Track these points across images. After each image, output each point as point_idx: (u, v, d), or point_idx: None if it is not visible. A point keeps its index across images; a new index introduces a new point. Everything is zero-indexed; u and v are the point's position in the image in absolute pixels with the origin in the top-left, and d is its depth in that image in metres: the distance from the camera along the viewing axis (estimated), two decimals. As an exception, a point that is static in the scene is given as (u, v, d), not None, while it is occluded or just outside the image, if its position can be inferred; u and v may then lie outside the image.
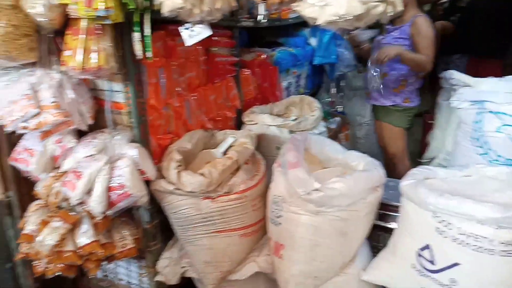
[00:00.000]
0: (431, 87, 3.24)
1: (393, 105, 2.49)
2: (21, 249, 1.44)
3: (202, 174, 1.39)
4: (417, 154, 3.23)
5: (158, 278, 1.57)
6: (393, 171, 2.56)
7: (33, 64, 1.33)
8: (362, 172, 1.28)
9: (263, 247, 1.49)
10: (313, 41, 2.85)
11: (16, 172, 1.55)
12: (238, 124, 2.07)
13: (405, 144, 2.67)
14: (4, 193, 1.64)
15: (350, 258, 1.30)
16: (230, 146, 1.64)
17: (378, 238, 1.54)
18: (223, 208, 1.42)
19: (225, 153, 1.62)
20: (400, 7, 1.29)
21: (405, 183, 1.15)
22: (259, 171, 1.56)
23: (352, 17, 1.15)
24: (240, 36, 2.06)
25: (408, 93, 2.45)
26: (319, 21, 1.23)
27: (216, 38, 1.82)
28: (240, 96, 2.07)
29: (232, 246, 1.45)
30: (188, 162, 1.57)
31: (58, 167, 1.45)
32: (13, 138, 1.54)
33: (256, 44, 2.52)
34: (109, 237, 1.46)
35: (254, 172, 1.55)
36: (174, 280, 1.54)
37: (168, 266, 1.57)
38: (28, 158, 1.44)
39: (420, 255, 1.11)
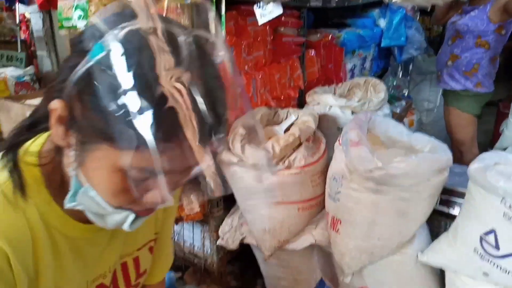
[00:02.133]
0: (508, 74, 3.01)
1: (463, 89, 2.37)
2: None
3: (265, 149, 1.47)
4: (488, 144, 3.05)
5: (219, 242, 1.69)
6: (460, 160, 2.45)
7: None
8: (428, 154, 1.27)
9: (320, 221, 1.54)
10: (382, 22, 2.77)
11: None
12: (301, 105, 2.11)
13: (475, 132, 2.53)
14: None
15: (408, 239, 1.31)
16: (292, 124, 1.70)
17: (439, 224, 1.52)
18: (283, 181, 1.49)
19: (287, 130, 1.67)
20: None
21: (474, 167, 1.12)
22: (319, 149, 1.60)
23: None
24: (307, 17, 2.08)
25: (480, 78, 2.31)
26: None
27: (284, 18, 1.86)
28: (304, 77, 2.10)
29: (290, 218, 1.52)
30: (251, 137, 1.66)
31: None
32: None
33: (323, 25, 2.52)
34: (179, 201, 1.60)
35: (314, 150, 1.59)
36: (233, 245, 1.65)
37: (229, 232, 1.68)
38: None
39: (483, 240, 1.09)
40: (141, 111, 0.42)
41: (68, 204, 0.54)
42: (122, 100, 0.42)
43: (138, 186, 0.50)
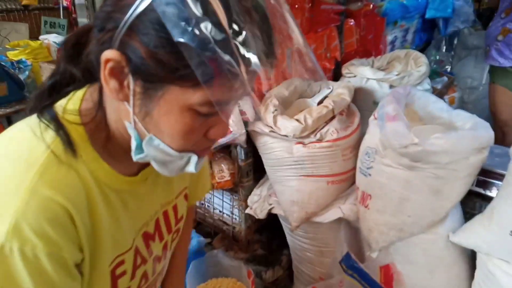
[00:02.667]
0: None
1: (513, 66, 2.21)
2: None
3: (297, 120, 1.45)
4: (536, 127, 2.86)
5: (248, 211, 1.73)
6: (502, 142, 2.33)
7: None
8: (468, 131, 1.21)
9: (349, 196, 1.53)
10: (428, -8, 2.60)
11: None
12: (336, 77, 2.05)
13: (521, 113, 2.39)
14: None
15: (441, 218, 1.27)
16: (326, 96, 1.66)
17: (474, 205, 1.47)
18: (314, 154, 1.48)
19: (320, 102, 1.64)
20: None
21: (517, 147, 1.07)
22: (353, 122, 1.57)
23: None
24: (348, -16, 1.98)
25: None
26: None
27: (323, -16, 1.79)
28: (341, 48, 2.03)
29: (319, 190, 1.51)
30: (284, 108, 1.64)
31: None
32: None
33: (364, -7, 2.39)
34: (210, 168, 1.64)
35: (348, 123, 1.56)
36: (261, 215, 1.68)
37: (258, 201, 1.71)
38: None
39: (521, 223, 1.05)
40: (215, 41, 0.42)
41: (136, 156, 0.55)
42: (195, 31, 0.41)
43: (204, 124, 0.52)
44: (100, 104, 0.56)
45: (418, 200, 1.23)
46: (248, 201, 1.74)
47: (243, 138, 1.53)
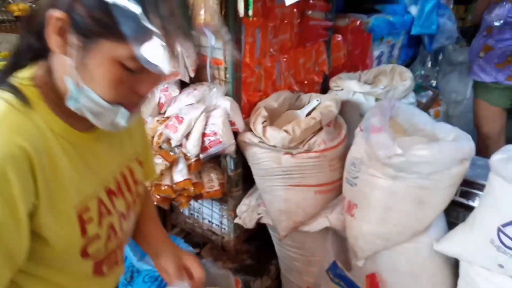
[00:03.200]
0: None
1: (494, 82, 2.29)
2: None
3: (285, 131, 1.49)
4: (518, 140, 2.94)
5: (237, 221, 1.74)
6: (485, 154, 2.39)
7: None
8: (450, 142, 1.25)
9: (336, 206, 1.55)
10: (414, 9, 2.69)
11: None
12: (324, 90, 2.10)
13: (503, 127, 2.47)
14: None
15: (424, 227, 1.31)
16: (314, 109, 1.70)
17: (457, 215, 1.51)
18: (302, 164, 1.51)
19: (309, 114, 1.68)
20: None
21: (496, 158, 1.11)
22: (340, 134, 1.61)
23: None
24: (336, 1, 2.05)
25: (513, 70, 2.23)
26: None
27: (312, 1, 1.85)
28: (329, 62, 2.08)
29: (307, 200, 1.54)
30: (273, 119, 1.68)
31: (163, 113, 1.66)
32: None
33: (352, 9, 2.47)
34: (199, 178, 1.65)
35: (335, 135, 1.60)
36: (250, 225, 1.70)
37: (246, 211, 1.72)
38: (138, 102, 1.66)
39: (501, 231, 1.08)
40: (139, 3, 0.54)
41: (70, 105, 0.62)
42: None
43: (132, 78, 0.61)
44: (50, 69, 0.64)
45: (402, 210, 1.26)
46: (237, 210, 1.75)
47: (232, 149, 1.56)
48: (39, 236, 0.62)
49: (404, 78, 1.90)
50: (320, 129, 1.55)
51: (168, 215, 2.09)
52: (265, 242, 1.85)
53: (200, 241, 2.03)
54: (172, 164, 1.58)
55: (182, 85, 1.65)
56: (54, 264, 0.68)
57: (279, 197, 1.57)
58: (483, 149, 2.52)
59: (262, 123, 1.53)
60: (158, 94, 1.64)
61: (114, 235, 0.76)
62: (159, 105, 1.66)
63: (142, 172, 0.88)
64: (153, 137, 1.65)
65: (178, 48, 0.60)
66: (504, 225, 1.08)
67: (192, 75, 1.58)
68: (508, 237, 1.06)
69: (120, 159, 0.80)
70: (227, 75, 1.54)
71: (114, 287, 0.87)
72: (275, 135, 1.48)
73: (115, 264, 0.81)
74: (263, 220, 1.67)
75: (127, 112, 0.64)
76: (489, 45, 2.35)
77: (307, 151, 1.51)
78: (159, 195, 1.63)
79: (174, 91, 1.60)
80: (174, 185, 1.58)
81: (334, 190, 1.59)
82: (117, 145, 0.79)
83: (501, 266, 1.12)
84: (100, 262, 0.75)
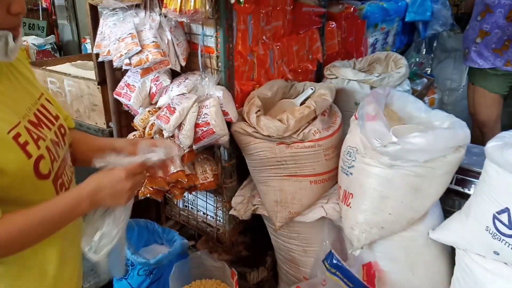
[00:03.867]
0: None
1: (492, 68, 2.27)
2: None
3: (280, 120, 1.46)
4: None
5: (232, 212, 1.72)
6: (481, 142, 2.39)
7: (137, 6, 1.48)
8: (445, 129, 1.24)
9: (332, 196, 1.54)
10: (407, -5, 2.66)
11: (117, 105, 1.76)
12: (318, 78, 2.08)
13: (499, 113, 2.46)
14: (106, 124, 1.90)
15: (420, 215, 1.30)
16: (309, 97, 1.68)
17: (453, 203, 1.50)
18: (297, 154, 1.49)
19: (303, 103, 1.66)
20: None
21: (491, 145, 1.10)
22: (335, 123, 1.59)
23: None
24: (330, -14, 2.01)
25: (511, 55, 2.21)
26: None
27: (304, -14, 1.81)
28: (323, 49, 2.05)
29: (302, 190, 1.53)
30: (267, 109, 1.65)
31: (155, 103, 1.62)
32: (117, 75, 1.75)
33: (345, -5, 2.43)
34: (193, 170, 1.63)
35: (330, 124, 1.58)
36: (245, 216, 1.68)
37: (241, 202, 1.71)
38: (129, 93, 1.63)
39: (496, 218, 1.07)
40: None
41: None
42: None
43: (3, 1, 0.68)
44: None
45: (398, 198, 1.25)
46: (232, 202, 1.73)
47: (226, 139, 1.53)
48: None
49: (399, 66, 1.87)
50: (315, 118, 1.53)
51: (162, 207, 2.07)
52: (260, 233, 1.84)
53: (195, 233, 2.02)
54: (165, 155, 1.55)
55: (173, 75, 1.61)
56: (19, 197, 0.76)
57: (274, 187, 1.55)
58: (479, 137, 2.51)
59: (256, 112, 1.50)
60: (149, 84, 1.60)
61: (54, 158, 0.83)
62: (150, 96, 1.63)
63: (55, 108, 0.93)
64: (144, 128, 1.62)
65: None
66: (500, 212, 1.07)
67: (183, 64, 1.54)
68: (504, 224, 1.06)
69: (29, 99, 0.84)
70: (219, 64, 1.51)
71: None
72: (269, 125, 1.45)
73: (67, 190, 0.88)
74: (259, 211, 1.65)
75: (12, 35, 0.71)
76: (484, 30, 2.33)
77: (302, 140, 1.48)
78: (152, 187, 1.61)
79: (165, 81, 1.56)
80: (167, 177, 1.55)
81: (330, 179, 1.58)
82: (20, 88, 0.83)
83: (496, 253, 1.12)
84: (56, 184, 0.83)
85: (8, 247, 0.74)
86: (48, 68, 2.17)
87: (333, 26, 2.08)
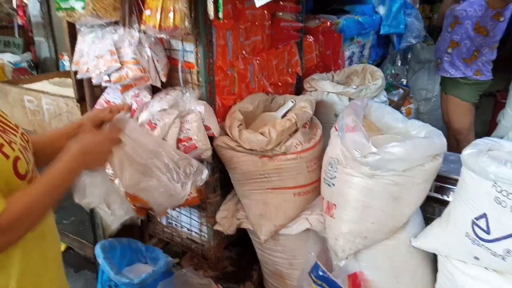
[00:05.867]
0: (506, 65, 3.02)
1: (463, 77, 2.37)
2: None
3: (262, 133, 1.47)
4: (485, 135, 3.05)
5: (216, 227, 1.71)
6: (456, 149, 2.47)
7: (115, 23, 1.48)
8: (422, 139, 1.27)
9: (316, 207, 1.55)
10: (381, 10, 2.75)
11: (98, 122, 1.74)
12: (298, 91, 2.11)
13: (472, 121, 2.55)
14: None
15: (402, 224, 1.32)
16: (289, 110, 1.70)
17: (433, 210, 1.54)
18: (279, 166, 1.50)
19: (284, 116, 1.68)
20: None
21: (466, 152, 1.13)
22: (316, 135, 1.61)
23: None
24: (306, 2, 2.06)
25: (480, 65, 2.32)
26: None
27: (282, 2, 1.85)
28: (302, 63, 2.09)
29: (286, 203, 1.53)
30: (248, 123, 1.66)
31: (136, 119, 1.61)
32: (96, 92, 1.74)
33: (322, 11, 2.50)
34: (176, 185, 1.61)
35: (311, 136, 1.60)
36: (230, 230, 1.67)
37: (226, 217, 1.70)
38: (109, 109, 1.61)
39: (475, 224, 1.10)
40: None
41: None
42: None
43: None
44: None
45: (379, 207, 1.27)
46: (216, 217, 1.72)
47: (208, 154, 1.53)
48: None
49: (376, 77, 1.93)
50: (296, 130, 1.55)
51: (145, 225, 2.03)
52: (246, 247, 1.83)
53: (179, 250, 1.99)
54: (147, 172, 1.54)
55: (154, 91, 1.61)
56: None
57: (258, 201, 1.56)
58: (454, 145, 2.59)
59: (238, 126, 1.51)
60: (129, 100, 1.59)
61: (27, 160, 0.85)
62: (131, 112, 1.61)
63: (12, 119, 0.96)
64: (125, 145, 1.60)
65: None
66: (478, 218, 1.10)
67: (164, 79, 1.54)
68: (482, 229, 1.09)
69: None
70: (200, 79, 1.52)
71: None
72: (251, 138, 1.46)
73: None
74: (243, 225, 1.65)
75: None
76: (455, 41, 2.43)
77: (284, 153, 1.50)
78: (135, 205, 1.58)
79: (146, 96, 1.56)
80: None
81: (313, 191, 1.59)
82: None
83: (476, 258, 1.15)
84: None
85: (29, 216, 0.77)
86: (25, 86, 2.12)
87: (311, 40, 2.13)
